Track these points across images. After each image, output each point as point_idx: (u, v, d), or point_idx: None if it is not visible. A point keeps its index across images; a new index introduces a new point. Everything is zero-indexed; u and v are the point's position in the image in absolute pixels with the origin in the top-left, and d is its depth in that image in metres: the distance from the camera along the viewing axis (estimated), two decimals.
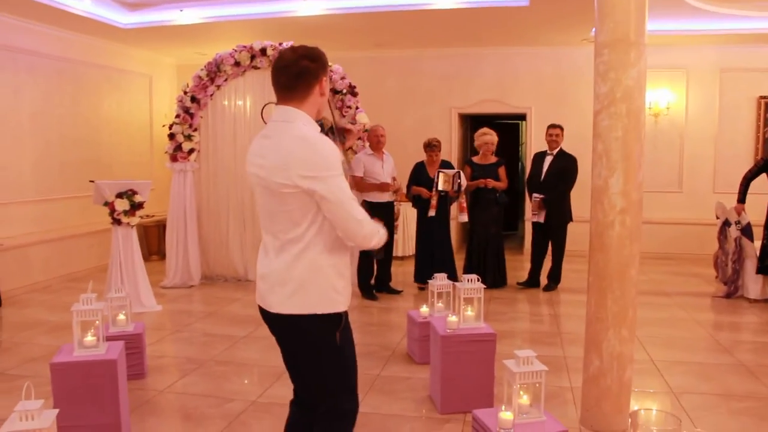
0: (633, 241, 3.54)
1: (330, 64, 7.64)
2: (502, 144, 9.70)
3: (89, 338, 3.70)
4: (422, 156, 7.40)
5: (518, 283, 7.56)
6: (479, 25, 8.26)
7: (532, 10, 7.30)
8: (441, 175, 6.98)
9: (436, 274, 5.03)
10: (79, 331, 3.69)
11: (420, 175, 7.27)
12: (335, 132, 2.70)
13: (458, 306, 4.12)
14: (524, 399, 2.99)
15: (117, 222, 6.55)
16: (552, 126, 7.39)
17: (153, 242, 9.81)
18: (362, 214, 2.34)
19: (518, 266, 8.71)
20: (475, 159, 7.53)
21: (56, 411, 2.60)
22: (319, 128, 2.42)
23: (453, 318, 4.05)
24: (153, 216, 9.45)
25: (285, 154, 2.26)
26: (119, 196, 6.52)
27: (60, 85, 8.33)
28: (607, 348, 3.57)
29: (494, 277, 7.43)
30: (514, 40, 9.07)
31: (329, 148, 2.29)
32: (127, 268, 6.61)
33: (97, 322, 3.73)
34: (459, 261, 7.69)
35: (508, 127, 11.52)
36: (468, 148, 11.26)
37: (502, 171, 7.42)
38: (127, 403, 3.84)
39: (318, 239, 2.34)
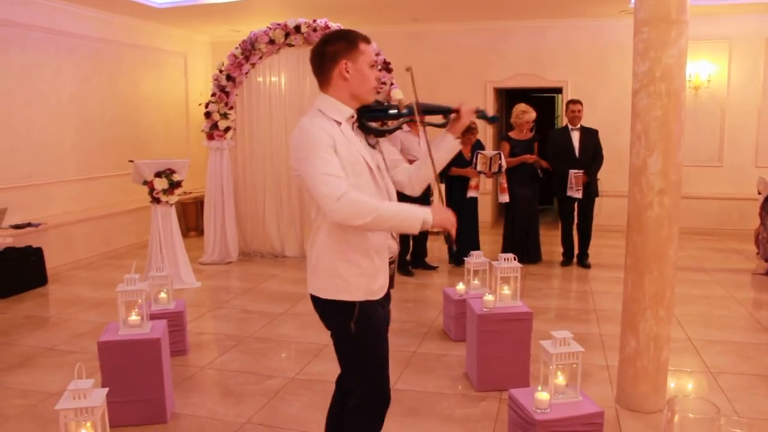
0: (672, 222, 3.51)
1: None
2: (538, 117, 9.65)
3: (133, 317, 3.81)
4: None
5: (561, 263, 7.51)
6: None
7: None
8: (480, 156, 6.98)
9: (471, 252, 5.05)
10: (124, 310, 3.80)
11: (456, 156, 7.23)
12: (416, 111, 2.47)
13: (495, 285, 4.14)
14: (560, 379, 3.01)
15: (156, 201, 6.68)
16: (573, 101, 7.31)
17: (191, 219, 9.97)
18: (335, 191, 2.18)
19: (554, 241, 8.65)
20: (512, 134, 7.47)
21: (106, 390, 2.71)
22: (350, 114, 2.37)
23: (489, 297, 4.08)
24: (191, 193, 9.60)
25: (290, 141, 2.38)
26: (158, 175, 6.65)
27: (99, 65, 8.45)
28: (644, 329, 3.58)
29: (533, 254, 7.46)
30: (551, 12, 8.91)
31: (312, 132, 2.26)
32: (167, 245, 6.76)
33: (140, 301, 3.83)
34: (495, 236, 7.69)
35: (543, 100, 11.38)
36: (504, 122, 11.17)
37: (536, 146, 7.39)
38: (171, 379, 3.97)
39: (323, 223, 2.37)
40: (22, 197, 7.27)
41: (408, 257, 7.29)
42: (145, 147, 9.11)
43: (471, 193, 7.11)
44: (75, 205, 8.08)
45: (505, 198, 7.27)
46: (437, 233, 8.61)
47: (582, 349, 2.98)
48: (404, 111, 2.51)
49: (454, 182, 7.24)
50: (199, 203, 9.55)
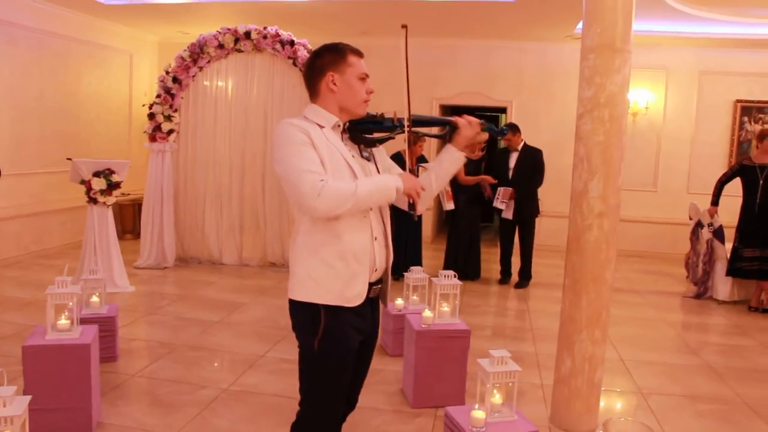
0: (609, 245, 3.57)
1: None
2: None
3: (63, 321, 3.64)
4: (403, 146, 7.37)
5: (499, 281, 7.58)
6: (464, 18, 8.23)
7: (518, 6, 7.30)
8: (420, 168, 7.01)
9: (412, 267, 5.04)
10: (53, 314, 3.63)
11: (401, 166, 7.24)
12: (407, 125, 2.49)
13: (434, 301, 4.13)
14: (497, 398, 3.01)
15: (93, 201, 6.46)
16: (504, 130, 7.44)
17: (128, 221, 9.70)
18: (314, 187, 2.14)
19: (493, 259, 8.74)
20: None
21: (28, 398, 2.56)
22: (338, 121, 2.37)
23: (428, 313, 4.07)
24: (129, 194, 9.33)
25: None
26: (96, 174, 6.43)
27: (40, 58, 8.14)
28: (579, 349, 3.62)
29: (472, 270, 7.52)
30: (499, 33, 9.06)
31: (286, 131, 2.24)
32: (102, 247, 6.53)
33: (71, 305, 3.67)
34: (436, 251, 7.73)
35: (488, 120, 11.52)
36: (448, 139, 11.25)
37: (482, 165, 7.48)
38: (99, 387, 3.81)
39: (301, 224, 2.33)
40: None
41: None
42: (85, 145, 8.81)
43: (447, 206, 7.14)
44: (6, 200, 7.73)
45: (450, 205, 7.28)
46: None
47: (519, 369, 2.99)
48: (398, 123, 2.51)
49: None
50: (137, 205, 9.29)
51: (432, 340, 3.96)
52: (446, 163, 2.56)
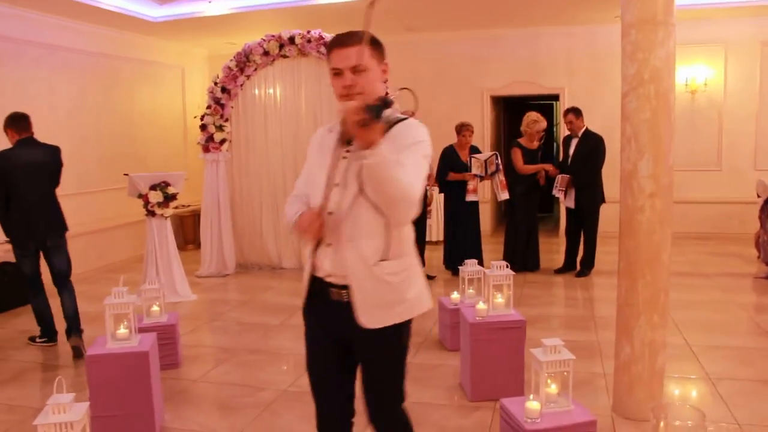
0: (664, 225, 3.45)
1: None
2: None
3: (122, 330, 3.75)
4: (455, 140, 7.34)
5: (555, 271, 7.44)
6: (509, 5, 8.11)
7: None
8: (473, 160, 6.98)
9: (466, 260, 5.00)
10: (112, 323, 3.75)
11: (453, 160, 7.20)
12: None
13: (488, 293, 4.08)
14: (552, 388, 2.95)
15: (151, 214, 6.64)
16: (565, 113, 7.32)
17: (189, 232, 9.93)
18: (287, 203, 2.39)
19: (554, 249, 8.60)
20: (522, 142, 7.41)
21: (86, 404, 2.65)
22: None
23: (482, 305, 4.01)
24: (189, 206, 9.58)
25: None
26: (153, 188, 6.62)
27: (94, 80, 8.44)
28: (638, 335, 3.51)
29: (532, 261, 7.42)
30: (546, 19, 8.89)
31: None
32: (162, 258, 6.72)
33: (129, 314, 3.78)
34: (495, 245, 7.65)
35: (542, 108, 11.34)
36: (501, 130, 11.13)
37: (539, 155, 7.38)
38: (161, 393, 3.91)
39: None
40: None
41: None
42: (143, 161, 9.09)
43: (469, 197, 7.07)
44: (72, 219, 7.97)
45: (504, 195, 7.21)
46: (435, 243, 8.56)
47: (573, 357, 2.92)
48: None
49: (452, 187, 7.20)
50: (197, 216, 9.49)
51: (487, 332, 3.91)
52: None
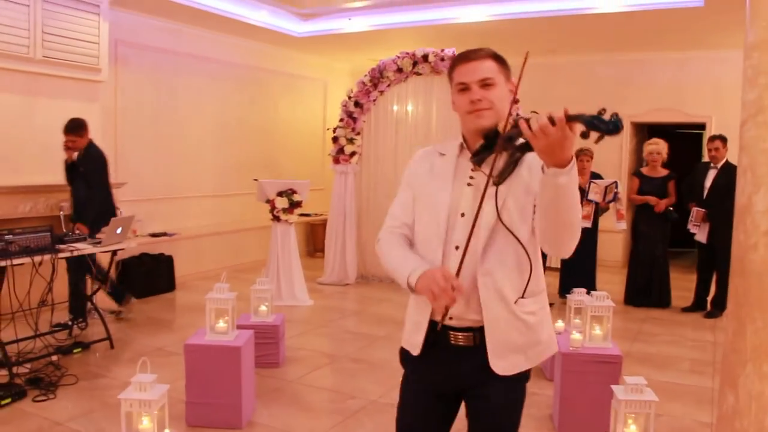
0: None
1: None
2: (682, 155, 9.01)
3: (221, 325, 3.96)
4: (593, 167, 7.10)
5: (682, 309, 6.94)
6: (652, 29, 7.72)
7: (708, 11, 6.70)
8: (592, 185, 6.70)
9: (575, 289, 4.79)
10: (213, 317, 3.96)
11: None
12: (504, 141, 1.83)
13: (585, 323, 3.89)
14: (632, 429, 2.76)
15: (276, 219, 6.96)
16: (711, 138, 6.80)
17: (319, 240, 10.25)
18: (381, 232, 2.14)
19: (690, 287, 8.01)
20: (644, 170, 7.12)
21: (167, 386, 2.82)
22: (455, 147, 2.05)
23: (577, 335, 3.83)
24: (321, 215, 9.91)
25: None
26: (279, 194, 6.93)
27: (239, 89, 9.05)
28: (744, 384, 3.17)
29: (658, 297, 6.97)
30: (691, 43, 8.37)
31: (410, 162, 2.20)
32: (284, 262, 7.00)
33: (228, 309, 3.97)
34: (621, 278, 7.28)
35: (689, 137, 10.66)
36: (640, 158, 10.60)
37: (671, 185, 6.93)
38: (253, 388, 4.08)
39: None
40: (162, 208, 7.93)
41: None
42: (280, 169, 9.55)
43: (582, 223, 6.79)
44: (209, 219, 8.63)
45: (622, 225, 6.93)
46: (552, 269, 8.26)
47: (655, 399, 2.72)
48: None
49: None
50: None
51: (579, 365, 3.73)
52: (540, 193, 1.80)
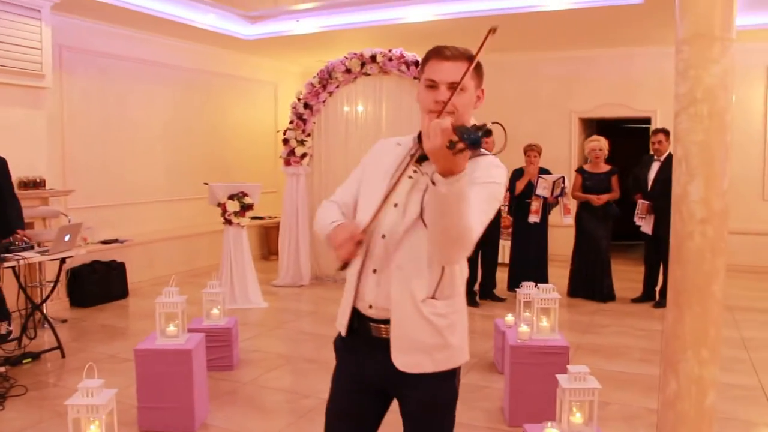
0: (716, 254, 3.23)
1: None
2: (630, 150, 9.24)
3: (171, 328, 3.93)
4: (541, 163, 7.24)
5: (631, 300, 7.13)
6: (596, 26, 7.93)
7: (649, 7, 6.90)
8: (540, 180, 6.84)
9: (523, 283, 4.88)
10: (162, 321, 3.93)
11: (518, 181, 7.11)
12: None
13: (533, 316, 3.98)
14: (577, 417, 2.84)
15: (228, 222, 6.92)
16: (654, 132, 7.01)
17: (274, 242, 10.17)
18: (320, 207, 2.17)
19: (637, 278, 8.21)
20: (586, 167, 7.29)
21: (114, 390, 2.79)
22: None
23: (524, 328, 3.92)
24: (275, 217, 9.87)
25: None
26: (230, 197, 6.89)
27: (189, 94, 8.97)
28: (684, 369, 3.30)
29: (603, 291, 7.13)
30: (635, 39, 8.60)
31: None
32: (237, 265, 6.97)
33: (177, 313, 3.95)
34: (565, 272, 7.44)
35: (637, 131, 10.93)
36: None
37: (614, 180, 7.11)
38: (206, 390, 4.06)
39: None
40: (113, 215, 7.81)
41: (476, 287, 7.16)
42: (232, 172, 9.47)
43: (532, 218, 6.94)
44: (161, 224, 8.53)
45: (568, 220, 7.11)
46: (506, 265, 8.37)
47: (598, 386, 2.81)
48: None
49: (518, 209, 7.13)
50: None
51: (527, 356, 3.82)
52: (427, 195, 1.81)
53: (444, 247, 1.76)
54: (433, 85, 1.91)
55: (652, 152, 7.07)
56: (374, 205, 1.92)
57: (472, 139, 1.52)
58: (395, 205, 1.94)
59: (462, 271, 2.00)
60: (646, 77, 9.14)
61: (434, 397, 1.99)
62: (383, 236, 1.94)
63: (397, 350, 1.93)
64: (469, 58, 1.89)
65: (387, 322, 1.94)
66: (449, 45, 1.95)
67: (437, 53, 1.93)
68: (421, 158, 1.89)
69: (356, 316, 2.02)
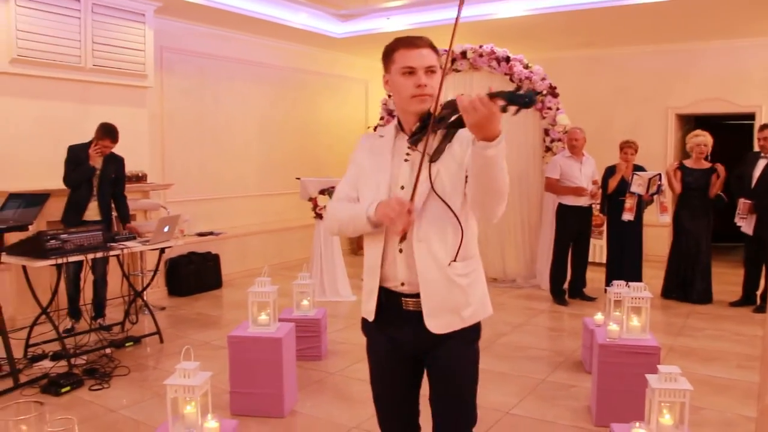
0: None
1: (530, 64, 7.60)
2: (731, 148, 8.84)
3: (263, 317, 4.10)
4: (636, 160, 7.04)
5: (730, 303, 6.82)
6: (696, 18, 7.62)
7: None
8: (635, 177, 6.63)
9: (614, 281, 4.79)
10: (255, 310, 4.11)
11: (611, 178, 6.92)
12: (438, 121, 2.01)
13: (624, 315, 3.91)
14: (666, 419, 2.78)
15: (319, 216, 7.10)
16: (762, 127, 6.63)
17: (362, 237, 10.37)
18: (332, 207, 2.29)
19: (736, 281, 7.85)
20: (687, 162, 7.01)
21: (210, 373, 2.95)
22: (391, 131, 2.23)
23: (614, 327, 3.86)
24: None
25: None
26: (322, 192, 7.08)
27: (283, 92, 9.28)
28: None
29: (700, 293, 6.87)
30: (739, 31, 8.20)
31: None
32: (327, 260, 7.14)
33: (269, 303, 4.11)
34: (660, 273, 7.21)
35: (740, 128, 10.43)
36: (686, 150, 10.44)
37: (714, 178, 6.82)
38: (294, 378, 4.21)
39: None
40: (209, 209, 8.19)
41: (565, 286, 7.06)
42: (325, 168, 9.69)
43: (625, 216, 6.70)
44: (253, 218, 8.86)
45: (665, 219, 6.88)
46: (598, 264, 8.19)
47: (690, 388, 2.73)
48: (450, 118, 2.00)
49: (612, 207, 6.94)
50: None
51: (616, 356, 3.75)
52: (471, 163, 1.94)
53: (491, 202, 1.97)
54: (412, 72, 2.09)
55: (758, 149, 6.74)
56: (380, 193, 2.12)
57: (528, 100, 1.71)
58: (402, 188, 2.13)
59: (475, 232, 2.21)
60: (750, 71, 8.70)
61: (461, 354, 2.20)
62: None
63: (429, 316, 2.11)
64: (431, 44, 2.13)
65: (418, 295, 2.12)
66: (406, 36, 2.17)
67: (408, 43, 2.12)
68: (416, 141, 2.09)
69: (384, 296, 2.19)
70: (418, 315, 2.12)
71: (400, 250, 2.12)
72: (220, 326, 6.11)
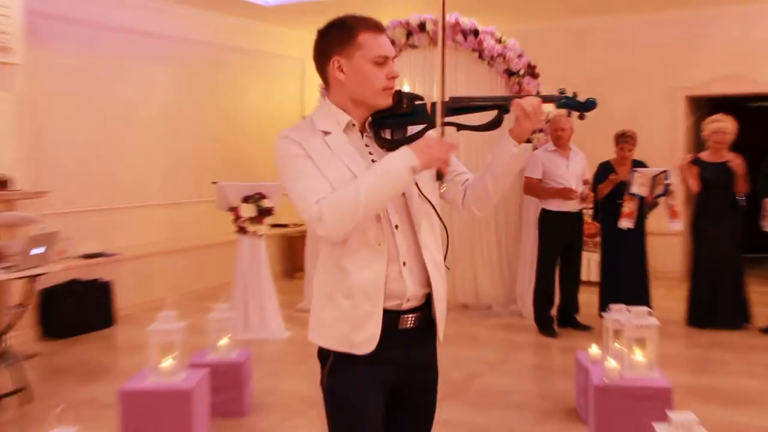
0: None
1: (504, 38, 7.62)
2: (755, 135, 8.99)
3: (167, 363, 3.96)
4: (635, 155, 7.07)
5: (761, 330, 6.90)
6: None
7: None
8: (635, 174, 6.63)
9: (612, 306, 4.76)
10: (156, 354, 3.96)
11: (605, 178, 6.91)
12: (439, 111, 2.23)
13: (624, 348, 3.89)
14: None
15: (242, 231, 6.98)
16: None
17: (299, 257, 10.21)
18: (314, 211, 2.11)
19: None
20: (703, 155, 7.08)
21: None
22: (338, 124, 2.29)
23: (612, 363, 3.83)
24: (301, 225, 9.92)
25: None
26: (245, 200, 6.94)
27: (196, 71, 9.15)
28: None
29: (731, 315, 6.94)
30: None
31: (279, 147, 2.27)
32: (253, 285, 7.03)
33: (175, 344, 3.98)
34: (681, 292, 7.26)
35: (765, 112, 10.67)
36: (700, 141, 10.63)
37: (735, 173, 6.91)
38: None
39: (321, 252, 2.36)
40: (98, 223, 7.96)
41: (553, 313, 7.05)
42: (249, 170, 9.53)
43: (623, 222, 6.70)
44: (158, 234, 8.66)
45: (676, 225, 6.88)
46: (593, 284, 8.22)
47: None
48: (432, 112, 2.25)
49: (607, 213, 7.00)
50: None
51: (616, 400, 3.75)
52: (498, 161, 2.26)
53: (495, 199, 2.37)
54: (384, 62, 2.21)
55: None
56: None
57: (589, 105, 2.20)
58: None
59: None
60: None
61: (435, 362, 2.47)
62: (396, 227, 2.23)
63: (441, 326, 2.35)
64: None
65: (417, 309, 2.29)
66: (365, 16, 2.25)
67: (375, 26, 2.23)
68: (381, 139, 2.28)
69: (386, 319, 2.24)
70: (414, 332, 2.30)
71: (404, 263, 2.24)
72: (111, 377, 5.88)
